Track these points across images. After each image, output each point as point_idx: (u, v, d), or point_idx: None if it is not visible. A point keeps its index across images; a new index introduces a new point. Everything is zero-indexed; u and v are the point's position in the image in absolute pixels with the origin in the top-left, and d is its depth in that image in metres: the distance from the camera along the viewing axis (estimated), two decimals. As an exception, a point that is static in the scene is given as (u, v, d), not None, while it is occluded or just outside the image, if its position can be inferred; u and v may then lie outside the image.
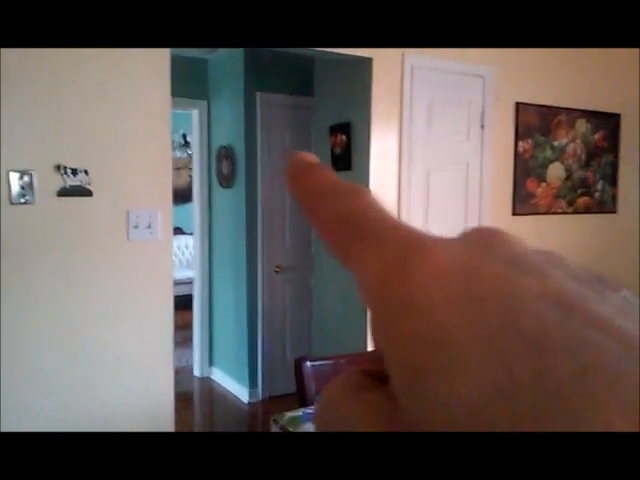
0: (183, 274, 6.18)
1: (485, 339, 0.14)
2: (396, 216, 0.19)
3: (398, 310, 0.16)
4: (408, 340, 0.15)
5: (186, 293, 5.08)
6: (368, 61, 2.80)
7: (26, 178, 2.10)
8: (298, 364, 1.79)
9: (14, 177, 2.08)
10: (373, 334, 0.17)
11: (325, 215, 0.20)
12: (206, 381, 4.34)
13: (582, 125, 3.48)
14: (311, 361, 1.82)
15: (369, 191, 0.20)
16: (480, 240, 0.17)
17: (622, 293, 0.16)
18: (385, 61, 2.82)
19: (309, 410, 1.71)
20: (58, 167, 2.14)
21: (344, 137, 2.98)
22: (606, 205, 3.63)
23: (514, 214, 3.29)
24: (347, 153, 2.97)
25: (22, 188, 2.09)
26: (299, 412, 1.70)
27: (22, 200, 2.09)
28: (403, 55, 2.85)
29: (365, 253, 0.18)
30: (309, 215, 0.20)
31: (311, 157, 0.22)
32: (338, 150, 3.03)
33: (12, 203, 2.08)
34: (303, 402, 1.79)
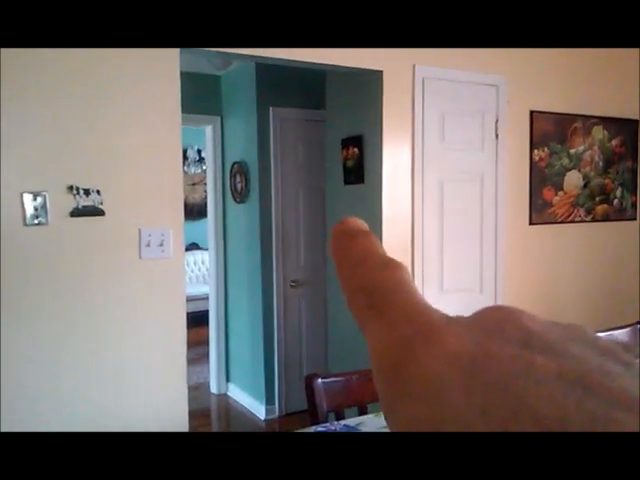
0: (200, 290, 6.22)
1: (496, 425, 0.14)
2: (419, 294, 0.20)
3: (406, 390, 0.16)
4: (413, 422, 0.16)
5: (203, 309, 5.10)
6: (379, 74, 2.79)
7: (39, 199, 2.12)
8: (309, 381, 1.77)
9: (28, 198, 2.10)
10: (381, 404, 0.17)
11: (353, 284, 0.20)
12: (223, 398, 4.33)
13: (599, 132, 3.42)
14: (322, 378, 1.79)
15: (400, 265, 0.21)
16: (492, 321, 0.17)
17: None
18: (396, 73, 2.81)
19: (321, 427, 1.69)
20: (71, 188, 2.16)
21: (356, 150, 2.97)
22: (625, 212, 3.56)
23: (531, 224, 3.24)
24: (360, 166, 2.96)
25: (35, 209, 2.11)
26: (310, 429, 1.67)
27: (36, 221, 2.11)
28: (414, 67, 2.84)
29: (379, 326, 0.18)
30: (341, 282, 0.21)
31: (358, 224, 0.23)
32: (350, 163, 3.02)
33: (26, 224, 2.10)
34: (315, 419, 1.77)
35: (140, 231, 2.28)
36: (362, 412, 1.82)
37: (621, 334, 2.30)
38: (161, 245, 2.32)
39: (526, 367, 0.15)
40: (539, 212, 3.25)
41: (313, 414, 1.76)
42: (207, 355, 4.59)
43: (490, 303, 3.10)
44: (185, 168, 7.03)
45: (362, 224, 0.23)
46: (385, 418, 0.17)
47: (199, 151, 7.23)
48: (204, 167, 6.93)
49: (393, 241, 2.83)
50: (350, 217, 0.23)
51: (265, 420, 3.84)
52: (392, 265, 0.21)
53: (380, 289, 0.20)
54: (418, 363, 0.16)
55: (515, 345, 0.16)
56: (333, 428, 1.68)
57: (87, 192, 2.20)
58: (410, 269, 2.88)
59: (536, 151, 3.22)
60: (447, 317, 0.18)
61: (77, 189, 2.18)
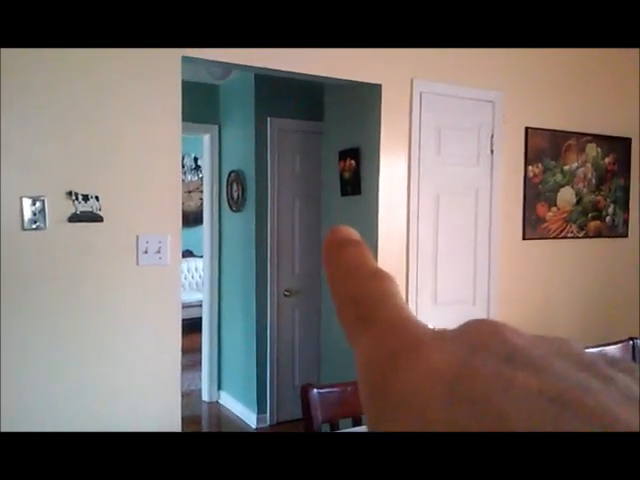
0: (193, 297, 6.20)
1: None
2: (406, 306, 0.20)
3: (389, 405, 0.16)
4: None
5: (196, 316, 5.08)
6: (377, 87, 2.82)
7: (38, 204, 2.12)
8: (305, 391, 1.78)
9: (27, 203, 2.11)
10: (366, 418, 0.17)
11: (342, 294, 0.21)
12: (214, 405, 4.32)
13: (592, 149, 3.47)
14: (318, 388, 1.80)
15: (388, 276, 0.21)
16: (476, 336, 0.17)
17: (637, 374, 0.16)
18: (394, 87, 2.84)
19: (316, 439, 1.69)
20: (69, 193, 2.17)
21: (353, 162, 3.00)
22: (617, 229, 3.60)
23: (524, 239, 3.27)
24: (356, 178, 2.98)
25: (34, 214, 2.12)
26: (305, 441, 1.68)
27: (34, 226, 2.12)
28: (412, 81, 2.87)
29: (365, 339, 0.19)
30: (331, 291, 0.21)
31: (349, 233, 0.23)
32: (347, 175, 3.05)
33: (24, 229, 2.10)
34: (309, 429, 1.77)
35: (138, 238, 2.29)
36: (356, 423, 1.83)
37: (613, 350, 2.33)
38: (158, 252, 2.33)
39: (507, 384, 0.15)
40: (532, 227, 3.29)
41: (308, 424, 1.77)
42: (199, 362, 4.57)
43: (483, 316, 3.12)
44: (181, 176, 7.03)
45: (353, 233, 0.23)
46: (367, 420, 0.17)
47: (196, 159, 7.24)
48: (200, 175, 6.95)
49: (388, 252, 2.85)
50: (342, 226, 0.23)
51: (256, 429, 3.84)
52: (380, 276, 0.21)
53: (367, 300, 0.20)
54: (401, 378, 0.16)
55: (498, 360, 0.16)
56: (327, 438, 1.69)
57: (86, 198, 2.21)
58: (404, 280, 2.90)
59: (530, 167, 3.26)
60: (432, 331, 0.18)
61: (76, 195, 2.18)
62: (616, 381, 0.15)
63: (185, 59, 2.34)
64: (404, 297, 0.20)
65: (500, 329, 0.17)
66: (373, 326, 0.19)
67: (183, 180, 7.14)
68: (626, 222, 3.63)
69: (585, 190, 3.46)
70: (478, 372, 0.15)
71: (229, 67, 3.08)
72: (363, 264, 0.21)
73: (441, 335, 0.18)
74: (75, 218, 2.18)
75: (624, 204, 3.62)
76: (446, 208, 3.00)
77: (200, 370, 4.55)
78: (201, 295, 4.78)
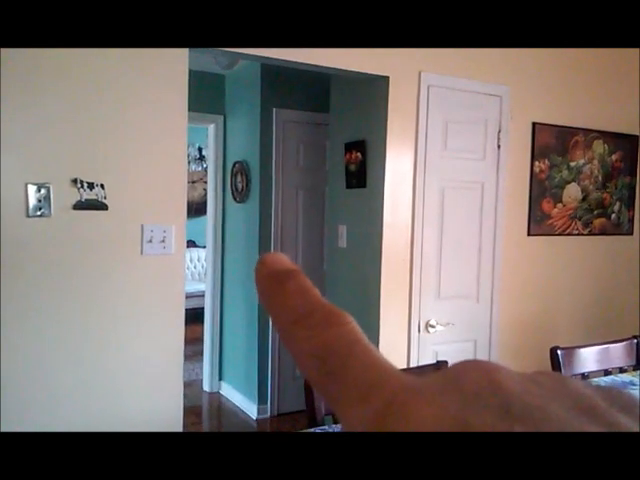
0: (195, 287, 6.21)
1: None
2: (375, 350, 0.18)
3: None
4: None
5: (198, 306, 5.09)
6: (385, 79, 2.80)
7: (43, 191, 2.12)
8: (308, 384, 1.77)
9: (32, 190, 2.10)
10: None
11: (300, 347, 0.19)
12: (215, 396, 4.33)
13: (599, 146, 3.45)
14: (322, 381, 1.80)
15: (345, 317, 0.19)
16: (467, 384, 0.16)
17: (636, 410, 0.16)
18: (402, 80, 2.82)
19: (318, 430, 1.70)
20: (75, 181, 2.16)
21: (359, 154, 2.99)
22: (622, 227, 3.59)
23: (529, 235, 3.26)
24: (362, 170, 2.97)
25: (39, 201, 2.11)
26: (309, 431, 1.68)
27: (38, 213, 2.11)
28: (420, 74, 2.85)
29: (348, 402, 0.17)
30: (284, 342, 0.19)
31: (282, 262, 0.21)
32: (353, 167, 3.03)
33: (29, 216, 2.09)
34: (313, 422, 1.78)
35: (142, 227, 2.28)
36: (359, 416, 1.83)
37: (617, 348, 2.33)
38: (163, 242, 2.32)
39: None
40: (538, 223, 3.28)
41: (311, 416, 1.77)
42: (201, 352, 4.58)
43: (486, 311, 3.12)
44: (184, 165, 7.00)
45: (286, 261, 0.21)
46: None
47: (200, 149, 7.22)
48: (204, 165, 6.93)
49: (392, 246, 2.84)
50: (272, 255, 0.21)
51: (257, 419, 3.85)
52: (337, 318, 0.19)
53: (333, 353, 0.18)
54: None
55: (493, 413, 0.15)
56: (330, 431, 1.69)
57: (91, 186, 2.20)
58: (408, 274, 2.89)
59: (537, 162, 3.25)
60: (416, 381, 0.17)
61: (81, 182, 2.18)
62: (618, 426, 0.15)
63: (192, 48, 2.33)
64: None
65: (492, 374, 0.16)
66: (349, 384, 0.17)
67: (187, 170, 7.13)
68: (631, 220, 3.62)
69: (591, 187, 3.44)
70: (474, 428, 0.15)
71: (236, 57, 3.06)
72: (312, 303, 0.19)
73: (427, 385, 0.17)
74: (80, 206, 2.18)
75: (630, 202, 3.60)
76: (452, 202, 2.99)
77: (201, 360, 4.56)
78: (203, 285, 4.78)
